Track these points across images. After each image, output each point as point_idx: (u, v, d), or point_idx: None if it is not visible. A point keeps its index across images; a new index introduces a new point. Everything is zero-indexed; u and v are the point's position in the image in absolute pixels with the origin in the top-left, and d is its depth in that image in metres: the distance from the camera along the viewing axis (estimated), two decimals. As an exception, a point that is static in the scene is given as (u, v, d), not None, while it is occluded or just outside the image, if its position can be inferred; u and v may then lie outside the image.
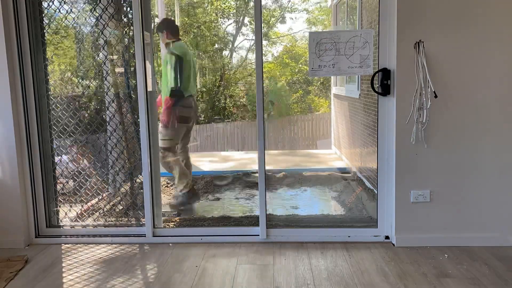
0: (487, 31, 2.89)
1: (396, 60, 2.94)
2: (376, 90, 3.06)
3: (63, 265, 2.93)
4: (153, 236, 3.28)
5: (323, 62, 3.04)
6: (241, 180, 5.20)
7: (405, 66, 2.93)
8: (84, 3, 3.34)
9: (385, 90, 3.03)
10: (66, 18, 3.35)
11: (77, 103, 3.39)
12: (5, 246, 3.21)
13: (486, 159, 3.00)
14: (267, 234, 3.22)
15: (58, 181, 3.40)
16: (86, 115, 3.26)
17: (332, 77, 7.20)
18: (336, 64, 3.04)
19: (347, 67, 3.05)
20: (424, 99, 2.90)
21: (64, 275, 2.79)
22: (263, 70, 3.13)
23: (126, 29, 3.34)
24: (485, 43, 2.90)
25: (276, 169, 5.71)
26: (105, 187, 3.55)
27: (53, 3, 3.30)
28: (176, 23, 4.56)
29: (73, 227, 3.41)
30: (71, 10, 3.32)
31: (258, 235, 3.23)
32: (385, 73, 3.01)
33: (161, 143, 3.89)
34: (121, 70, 3.40)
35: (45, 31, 3.29)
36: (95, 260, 3.00)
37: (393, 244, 3.11)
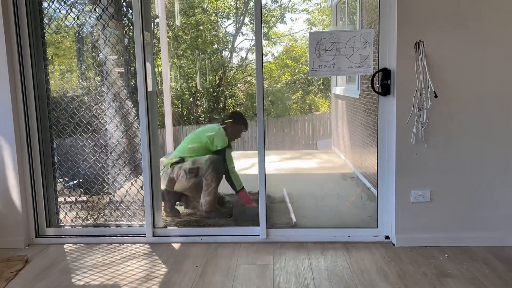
0: (487, 31, 2.89)
1: (396, 60, 2.94)
2: (376, 90, 3.06)
3: (63, 265, 2.93)
4: (153, 236, 3.28)
5: (323, 62, 3.04)
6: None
7: (405, 66, 2.93)
8: (84, 3, 3.34)
9: (385, 90, 3.03)
10: (66, 18, 3.35)
11: (77, 103, 3.39)
12: (5, 246, 3.21)
13: (486, 159, 3.00)
14: (267, 234, 3.22)
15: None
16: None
17: (332, 77, 7.21)
18: (336, 64, 3.04)
19: (347, 67, 3.05)
20: (424, 99, 2.90)
21: (64, 275, 2.79)
22: (263, 70, 3.13)
23: (126, 29, 3.34)
24: (485, 42, 2.90)
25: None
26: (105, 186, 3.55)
27: (53, 3, 3.30)
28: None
29: (74, 226, 3.41)
30: (71, 10, 3.32)
31: (258, 235, 3.23)
32: (385, 73, 3.01)
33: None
34: (121, 70, 3.41)
35: (45, 31, 3.29)
36: (95, 260, 3.00)
37: (393, 244, 3.11)
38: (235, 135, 4.07)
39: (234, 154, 3.98)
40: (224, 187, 3.92)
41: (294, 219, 3.57)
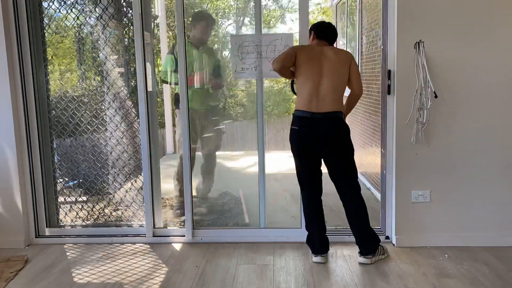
0: (488, 31, 2.89)
1: (396, 60, 2.93)
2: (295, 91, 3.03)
3: (63, 265, 2.93)
4: (153, 236, 3.28)
5: (245, 64, 3.10)
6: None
7: (405, 66, 2.93)
8: (84, 3, 3.34)
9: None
10: (66, 18, 3.35)
11: (77, 103, 3.39)
12: (5, 246, 3.20)
13: (486, 159, 3.00)
14: (267, 234, 3.22)
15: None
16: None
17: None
18: (258, 67, 3.11)
19: (268, 70, 3.12)
20: (424, 99, 2.90)
21: (64, 275, 2.79)
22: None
23: (126, 29, 3.34)
24: (485, 43, 2.90)
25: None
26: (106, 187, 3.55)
27: (53, 3, 3.30)
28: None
29: (74, 227, 3.41)
30: (71, 10, 3.32)
31: (258, 235, 3.23)
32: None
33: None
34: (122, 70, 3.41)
35: (45, 31, 3.29)
36: (95, 260, 3.00)
37: (393, 244, 3.11)
38: (200, 35, 3.63)
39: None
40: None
41: (247, 220, 3.62)
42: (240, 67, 3.12)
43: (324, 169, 2.87)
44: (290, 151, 2.86)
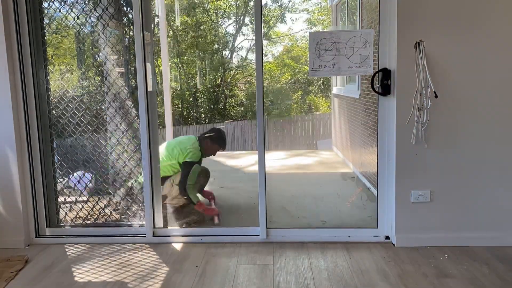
0: (488, 31, 2.89)
1: (396, 60, 2.93)
2: (376, 90, 3.06)
3: (63, 265, 2.93)
4: (153, 236, 3.28)
5: (323, 62, 3.04)
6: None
7: (405, 66, 2.93)
8: (84, 3, 3.34)
9: (385, 90, 3.03)
10: (66, 18, 3.35)
11: (77, 103, 3.39)
12: (5, 246, 3.21)
13: (486, 159, 3.00)
14: (267, 234, 3.22)
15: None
16: None
17: (332, 77, 7.21)
18: (336, 64, 3.04)
19: (347, 67, 3.05)
20: (425, 99, 2.89)
21: (64, 275, 2.79)
22: (263, 70, 3.13)
23: (126, 29, 3.34)
24: (486, 42, 2.90)
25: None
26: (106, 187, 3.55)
27: (53, 3, 3.30)
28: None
29: (74, 226, 3.41)
30: (71, 10, 3.32)
31: (258, 235, 3.23)
32: (385, 73, 3.01)
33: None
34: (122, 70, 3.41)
35: (45, 31, 3.29)
36: (95, 260, 3.00)
37: (393, 244, 3.11)
38: (210, 153, 4.04)
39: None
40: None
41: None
42: (317, 65, 3.04)
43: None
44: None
